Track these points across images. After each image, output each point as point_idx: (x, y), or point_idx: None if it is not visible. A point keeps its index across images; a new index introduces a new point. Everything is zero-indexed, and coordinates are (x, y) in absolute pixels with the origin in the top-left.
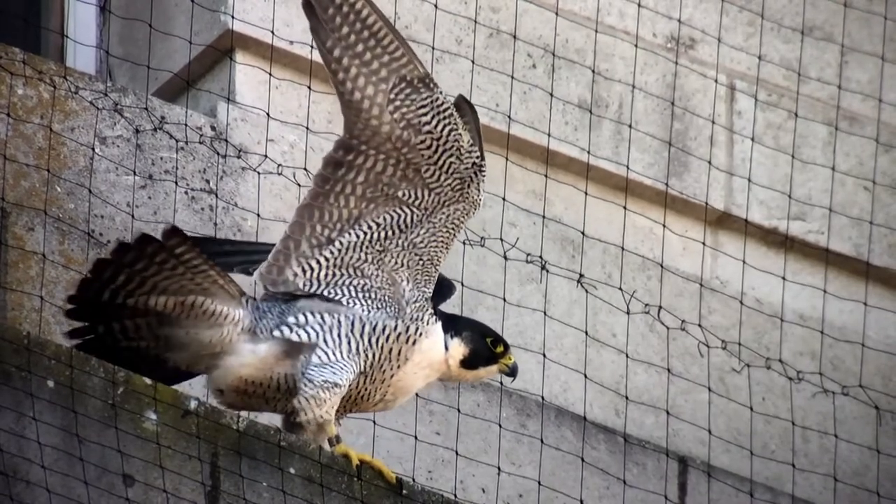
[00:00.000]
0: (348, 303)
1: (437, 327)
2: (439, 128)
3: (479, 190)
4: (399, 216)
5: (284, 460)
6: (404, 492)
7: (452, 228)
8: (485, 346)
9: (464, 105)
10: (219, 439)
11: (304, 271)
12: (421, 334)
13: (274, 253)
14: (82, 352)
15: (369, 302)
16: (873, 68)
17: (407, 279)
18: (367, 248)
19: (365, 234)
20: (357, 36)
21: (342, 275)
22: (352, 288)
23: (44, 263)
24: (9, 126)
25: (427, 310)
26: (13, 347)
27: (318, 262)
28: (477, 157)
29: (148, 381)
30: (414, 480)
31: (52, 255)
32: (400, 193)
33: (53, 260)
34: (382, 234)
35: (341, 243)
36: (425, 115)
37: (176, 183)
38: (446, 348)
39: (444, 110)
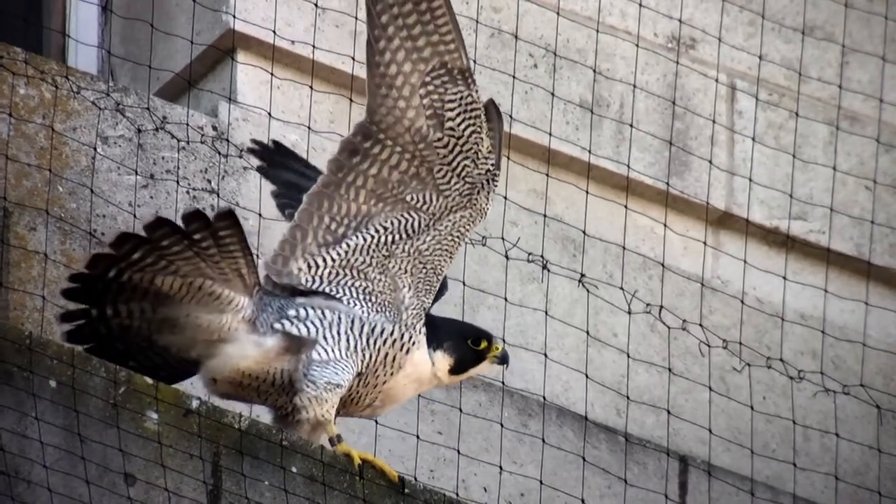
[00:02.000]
0: (349, 303)
1: (424, 339)
2: (462, 126)
3: (487, 198)
4: (406, 220)
5: (286, 459)
6: (406, 490)
7: (457, 237)
8: (468, 350)
9: (492, 110)
10: (220, 438)
11: (309, 267)
12: (414, 343)
13: (280, 242)
14: (74, 342)
15: (369, 304)
16: (874, 68)
17: (409, 286)
18: (373, 251)
19: (372, 237)
20: (415, 7)
21: (346, 275)
22: (353, 289)
23: (46, 263)
24: (10, 126)
25: (421, 319)
26: (15, 347)
27: (325, 259)
28: (492, 165)
29: (149, 380)
30: (416, 479)
31: (53, 254)
32: (408, 197)
33: (55, 260)
34: (389, 239)
35: (348, 245)
36: (453, 109)
37: (178, 182)
38: (432, 363)
39: (473, 110)
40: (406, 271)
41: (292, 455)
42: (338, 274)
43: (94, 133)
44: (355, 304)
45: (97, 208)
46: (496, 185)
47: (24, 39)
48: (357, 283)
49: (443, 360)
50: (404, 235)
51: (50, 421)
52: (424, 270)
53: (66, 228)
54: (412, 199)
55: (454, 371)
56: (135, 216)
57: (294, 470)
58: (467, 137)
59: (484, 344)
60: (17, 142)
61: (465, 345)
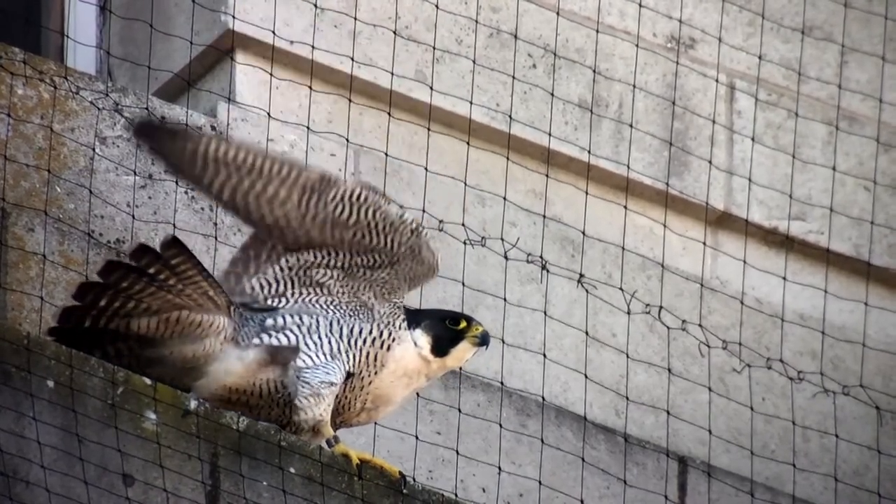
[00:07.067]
0: (322, 312)
1: (407, 334)
2: (363, 215)
3: (431, 251)
4: (364, 260)
5: (285, 460)
6: (405, 491)
7: (412, 283)
8: (444, 328)
9: (367, 188)
10: (219, 439)
11: (262, 287)
12: (394, 339)
13: (232, 260)
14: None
15: (340, 312)
16: (873, 68)
17: (374, 296)
18: (330, 266)
19: (328, 255)
20: (247, 173)
21: (308, 293)
22: (319, 304)
23: (44, 264)
24: (9, 126)
25: (399, 316)
26: (13, 348)
27: (277, 278)
28: (412, 223)
29: (148, 381)
30: (415, 480)
31: (52, 255)
32: (359, 260)
33: (53, 260)
34: (346, 263)
35: (300, 260)
36: (342, 210)
37: (176, 183)
38: (414, 343)
39: (358, 198)
40: (368, 289)
41: (290, 455)
42: (301, 293)
43: (93, 133)
44: (328, 312)
45: (95, 209)
46: (429, 237)
47: (23, 39)
48: (322, 300)
49: (423, 339)
50: (363, 270)
51: (48, 421)
52: (388, 287)
53: (64, 229)
54: (364, 261)
55: (434, 351)
56: (133, 217)
57: (292, 470)
58: (373, 218)
59: (463, 324)
60: (15, 142)
61: (442, 324)
